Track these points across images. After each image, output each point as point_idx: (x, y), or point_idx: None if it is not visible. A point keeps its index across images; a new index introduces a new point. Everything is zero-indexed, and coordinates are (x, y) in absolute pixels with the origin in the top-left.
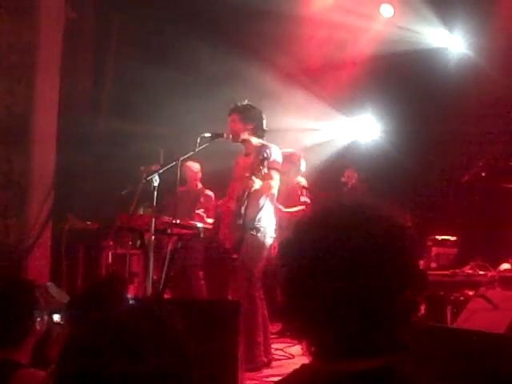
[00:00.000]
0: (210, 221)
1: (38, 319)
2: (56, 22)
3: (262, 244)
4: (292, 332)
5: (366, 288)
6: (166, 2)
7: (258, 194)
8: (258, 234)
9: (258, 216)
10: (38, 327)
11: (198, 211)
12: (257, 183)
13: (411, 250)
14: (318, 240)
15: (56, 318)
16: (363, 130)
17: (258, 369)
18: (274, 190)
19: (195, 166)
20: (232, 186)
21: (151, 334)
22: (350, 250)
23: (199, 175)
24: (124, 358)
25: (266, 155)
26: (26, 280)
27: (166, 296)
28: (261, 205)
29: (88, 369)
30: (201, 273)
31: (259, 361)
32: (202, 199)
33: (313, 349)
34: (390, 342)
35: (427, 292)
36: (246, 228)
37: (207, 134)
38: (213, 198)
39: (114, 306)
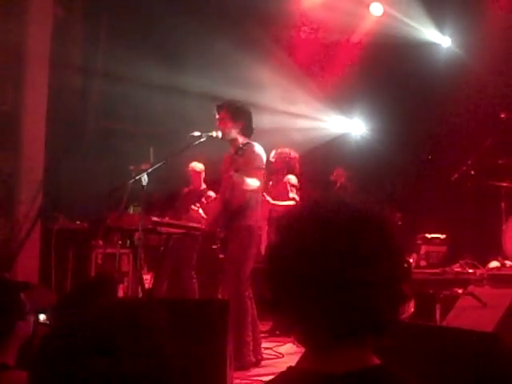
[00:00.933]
0: None
1: (22, 321)
2: (44, 19)
3: (249, 242)
4: (281, 327)
5: (351, 280)
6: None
7: (242, 192)
8: (244, 233)
9: (243, 214)
10: (22, 329)
11: (193, 207)
12: (240, 180)
13: (395, 242)
14: (303, 236)
15: (42, 317)
16: (352, 127)
17: (246, 368)
18: (257, 188)
19: (198, 167)
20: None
21: (125, 334)
22: (335, 245)
23: (203, 175)
24: (97, 358)
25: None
26: (9, 280)
27: (156, 295)
28: (245, 203)
29: (62, 370)
30: (193, 272)
31: (247, 360)
32: (203, 199)
33: (302, 339)
34: (372, 327)
35: (413, 287)
36: (231, 227)
37: (196, 133)
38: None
39: (92, 308)
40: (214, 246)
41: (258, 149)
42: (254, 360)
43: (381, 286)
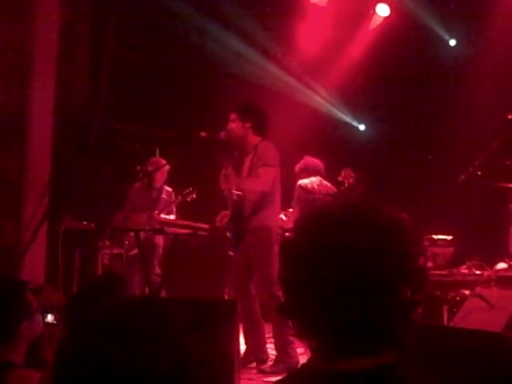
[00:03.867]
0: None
1: (28, 320)
2: (51, 21)
3: (269, 242)
4: (295, 331)
5: (366, 285)
6: (163, 2)
7: (255, 193)
8: (263, 234)
9: (258, 215)
10: (28, 328)
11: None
12: (250, 183)
13: (410, 247)
14: (318, 239)
15: (49, 318)
16: (359, 129)
17: (292, 368)
18: (269, 186)
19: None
20: None
21: (151, 332)
22: (350, 248)
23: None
24: (123, 357)
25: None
26: (17, 280)
27: (162, 295)
28: (258, 204)
29: (86, 369)
30: None
31: (293, 360)
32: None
33: (313, 346)
34: (388, 340)
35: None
36: (247, 229)
37: (203, 134)
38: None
39: (112, 304)
40: (224, 243)
41: (270, 146)
42: (298, 361)
43: (397, 296)
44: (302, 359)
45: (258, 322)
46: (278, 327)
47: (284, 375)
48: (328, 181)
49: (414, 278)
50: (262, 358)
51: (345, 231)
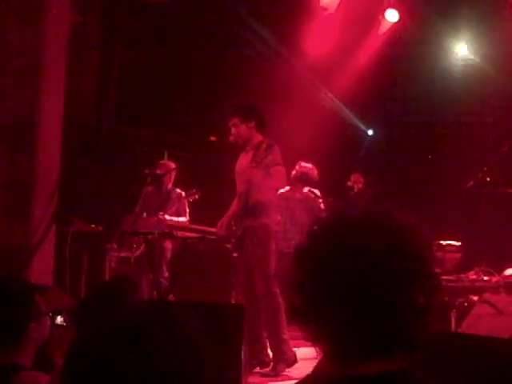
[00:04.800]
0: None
1: (36, 322)
2: (61, 24)
3: (267, 240)
4: (305, 333)
5: (380, 290)
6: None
7: (261, 190)
8: (261, 232)
9: (260, 212)
10: (36, 330)
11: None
12: (257, 175)
13: (423, 252)
14: (332, 244)
15: (58, 320)
16: (369, 134)
17: (289, 364)
18: (284, 183)
19: (172, 164)
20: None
21: (163, 336)
22: (363, 252)
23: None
24: (135, 360)
25: (265, 147)
26: (24, 281)
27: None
28: (263, 202)
29: (96, 373)
30: None
31: (289, 356)
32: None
33: (326, 350)
34: (401, 344)
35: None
36: (247, 225)
37: (212, 138)
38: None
39: (125, 308)
40: (227, 245)
41: (275, 145)
42: (294, 357)
43: (411, 302)
44: (305, 364)
45: (261, 324)
46: (272, 326)
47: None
48: (337, 186)
49: (427, 282)
50: (263, 360)
51: (359, 235)
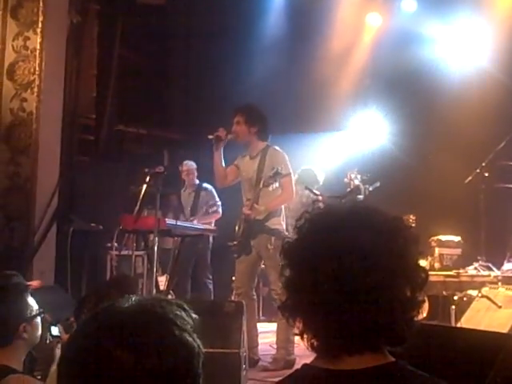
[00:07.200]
0: None
1: (27, 324)
2: (60, 25)
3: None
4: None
5: (366, 284)
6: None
7: (272, 196)
8: (274, 237)
9: (269, 220)
10: (28, 331)
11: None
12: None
13: (409, 245)
14: (318, 239)
15: (55, 331)
16: (368, 132)
17: (290, 366)
18: (293, 194)
19: (192, 163)
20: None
21: (159, 332)
22: (349, 247)
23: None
24: (129, 356)
25: (278, 170)
26: (17, 280)
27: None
28: (278, 212)
29: (91, 368)
30: (208, 273)
31: (292, 359)
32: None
33: (315, 344)
34: (388, 338)
35: (429, 290)
36: (257, 233)
37: (210, 136)
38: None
39: (121, 304)
40: (230, 244)
41: (282, 153)
42: (294, 360)
43: (397, 295)
44: (302, 360)
45: (255, 323)
46: (284, 325)
47: (284, 373)
48: (334, 183)
49: (413, 275)
50: (252, 358)
51: (344, 231)
